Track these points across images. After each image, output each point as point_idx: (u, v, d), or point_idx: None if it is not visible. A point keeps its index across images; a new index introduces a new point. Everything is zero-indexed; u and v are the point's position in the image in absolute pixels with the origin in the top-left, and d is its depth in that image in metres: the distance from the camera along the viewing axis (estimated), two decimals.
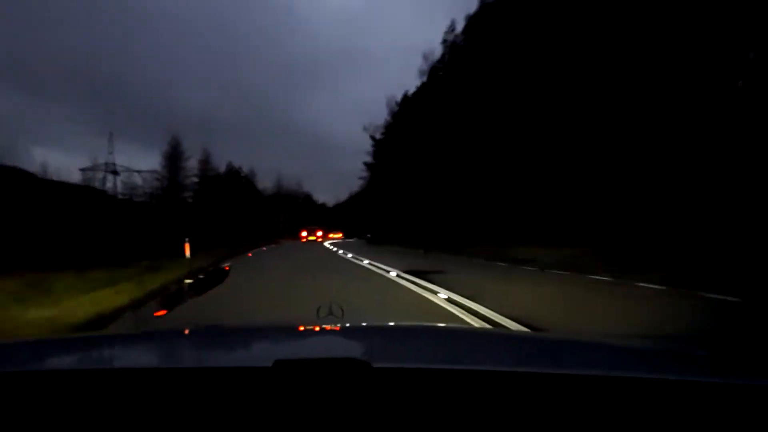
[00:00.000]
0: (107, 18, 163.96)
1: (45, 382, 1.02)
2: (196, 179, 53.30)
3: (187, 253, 17.35)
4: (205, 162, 55.13)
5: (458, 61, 35.89)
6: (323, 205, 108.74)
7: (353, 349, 1.56)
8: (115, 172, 47.35)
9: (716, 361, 1.37)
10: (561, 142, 21.95)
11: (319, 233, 71.20)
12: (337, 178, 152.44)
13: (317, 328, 1.87)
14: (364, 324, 2.20)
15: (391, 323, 2.72)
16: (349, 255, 22.48)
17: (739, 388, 0.99)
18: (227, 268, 15.42)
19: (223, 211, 49.76)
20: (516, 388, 0.98)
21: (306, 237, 67.91)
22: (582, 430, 0.91)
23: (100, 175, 46.06)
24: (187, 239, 17.48)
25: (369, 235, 55.32)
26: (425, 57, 43.44)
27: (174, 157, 49.06)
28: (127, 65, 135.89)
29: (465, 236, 29.58)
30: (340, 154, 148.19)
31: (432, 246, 29.41)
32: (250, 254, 25.81)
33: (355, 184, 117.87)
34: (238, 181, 64.98)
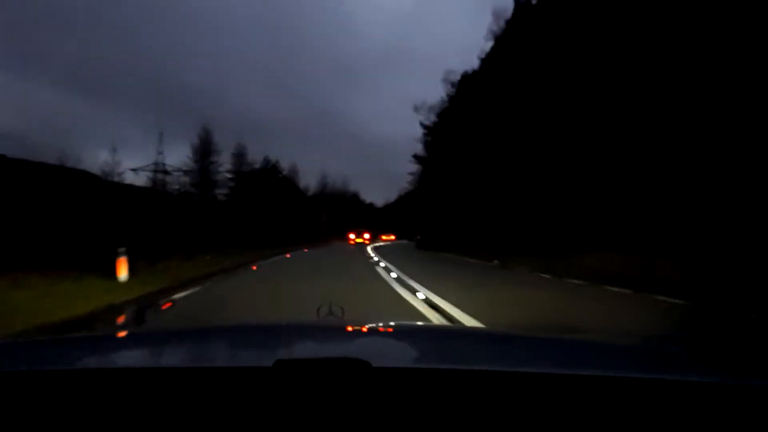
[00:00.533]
0: (157, 18, 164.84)
1: (45, 382, 1.01)
2: (229, 175, 48.27)
3: (121, 272, 10.35)
4: (240, 156, 49.81)
5: (537, 21, 27.74)
6: (371, 206, 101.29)
7: (353, 349, 1.52)
8: (166, 172, 43.84)
9: (698, 362, 1.42)
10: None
11: (367, 236, 66.63)
12: (387, 179, 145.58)
13: (318, 328, 1.91)
14: (364, 324, 2.10)
15: (391, 323, 2.56)
16: (393, 274, 13.95)
17: (717, 386, 1.01)
18: (168, 305, 8.50)
19: (259, 210, 44.44)
20: (515, 389, 0.99)
21: (354, 240, 64.15)
22: (582, 430, 0.92)
23: (149, 174, 43.49)
24: (121, 251, 10.50)
25: (418, 237, 47.18)
26: (495, 15, 33.70)
27: (205, 151, 44.21)
28: (174, 65, 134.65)
29: (551, 239, 21.70)
30: (389, 155, 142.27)
31: (506, 253, 21.23)
32: (254, 267, 17.66)
33: (404, 184, 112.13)
34: (275, 177, 59.48)
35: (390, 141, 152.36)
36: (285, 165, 62.96)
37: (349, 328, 1.89)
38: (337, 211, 72.39)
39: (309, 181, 74.17)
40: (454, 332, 2.01)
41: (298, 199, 62.77)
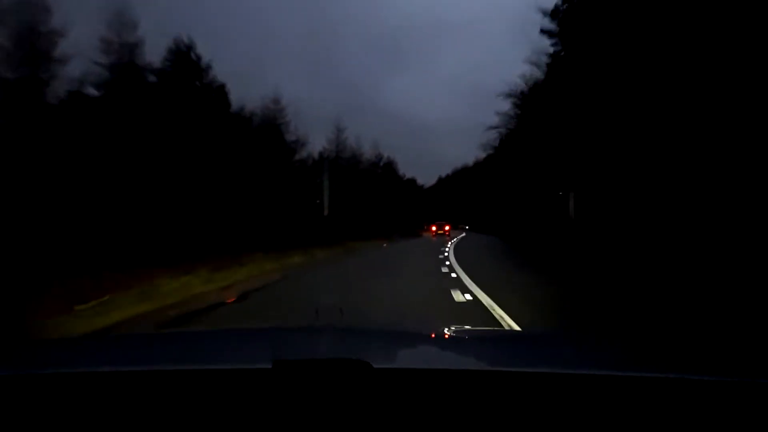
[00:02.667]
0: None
1: (45, 384, 1.01)
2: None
3: None
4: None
5: None
6: (421, 187, 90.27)
7: (353, 350, 1.42)
8: None
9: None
10: None
11: (447, 228, 59.53)
12: (429, 160, 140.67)
13: (317, 330, 1.87)
14: (364, 325, 2.24)
15: (392, 325, 2.63)
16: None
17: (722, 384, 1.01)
18: None
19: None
20: (515, 388, 0.98)
21: (435, 232, 57.37)
22: (582, 430, 0.92)
23: None
24: None
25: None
26: None
27: None
28: (209, 41, 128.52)
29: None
30: (429, 135, 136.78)
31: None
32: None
33: (447, 168, 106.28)
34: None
35: (430, 119, 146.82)
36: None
37: (349, 329, 1.88)
38: (395, 196, 59.37)
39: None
40: (455, 334, 1.91)
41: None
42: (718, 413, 0.92)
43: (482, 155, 56.19)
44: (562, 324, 6.61)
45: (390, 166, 64.38)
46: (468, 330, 2.28)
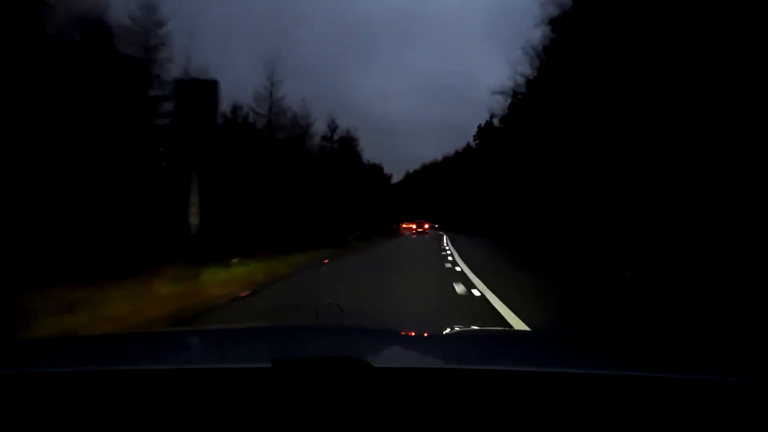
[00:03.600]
0: None
1: (45, 384, 1.00)
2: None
3: None
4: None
5: None
6: (388, 179, 79.73)
7: (353, 349, 1.41)
8: None
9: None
10: None
11: (426, 226, 58.10)
12: (396, 157, 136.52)
13: (317, 329, 1.87)
14: (363, 325, 2.17)
15: (391, 325, 2.59)
16: None
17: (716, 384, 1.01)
18: None
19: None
20: (516, 388, 0.98)
21: (415, 230, 55.95)
22: (583, 430, 0.92)
23: None
24: None
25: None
26: None
27: None
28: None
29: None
30: (395, 132, 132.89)
31: None
32: None
33: (415, 166, 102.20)
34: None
35: (393, 115, 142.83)
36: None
37: (349, 329, 1.87)
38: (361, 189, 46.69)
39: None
40: (455, 333, 1.90)
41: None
42: (718, 413, 0.92)
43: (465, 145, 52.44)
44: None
45: (348, 144, 45.14)
46: (468, 329, 2.23)
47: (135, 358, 1.35)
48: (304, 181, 30.05)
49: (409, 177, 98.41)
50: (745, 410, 0.92)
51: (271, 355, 0.96)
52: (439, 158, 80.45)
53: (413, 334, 1.86)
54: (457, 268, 13.75)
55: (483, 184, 47.32)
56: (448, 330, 1.92)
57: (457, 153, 58.99)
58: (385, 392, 0.92)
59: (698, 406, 0.93)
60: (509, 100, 36.15)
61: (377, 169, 62.34)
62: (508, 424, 0.91)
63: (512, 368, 1.09)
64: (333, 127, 40.94)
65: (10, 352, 1.42)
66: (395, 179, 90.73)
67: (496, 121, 43.01)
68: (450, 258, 17.64)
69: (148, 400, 0.94)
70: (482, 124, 48.95)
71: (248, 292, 9.22)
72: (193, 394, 0.94)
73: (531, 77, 30.51)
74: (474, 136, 54.47)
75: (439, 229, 63.19)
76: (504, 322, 6.48)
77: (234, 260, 13.88)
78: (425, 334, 1.84)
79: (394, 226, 56.83)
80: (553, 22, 24.42)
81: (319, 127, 38.07)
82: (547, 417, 0.91)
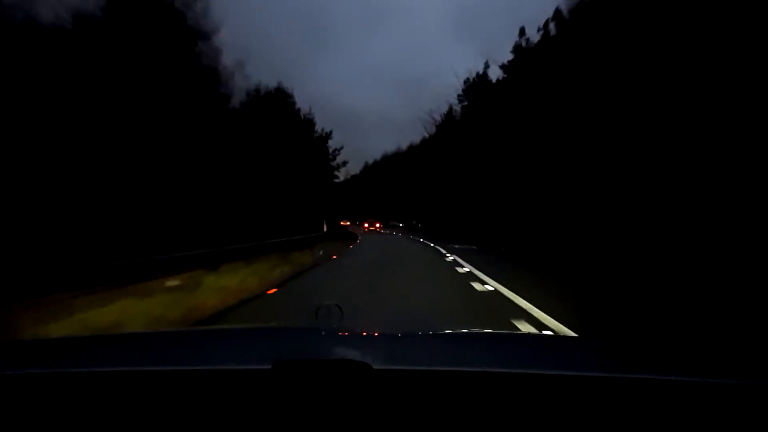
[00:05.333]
0: None
1: (45, 383, 1.00)
2: None
3: None
4: None
5: None
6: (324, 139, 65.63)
7: (353, 351, 1.46)
8: None
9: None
10: None
11: (378, 225, 60.59)
12: (355, 150, 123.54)
13: (317, 331, 1.83)
14: (363, 327, 2.15)
15: (392, 326, 2.55)
16: None
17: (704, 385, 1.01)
18: None
19: None
20: (515, 390, 0.98)
21: (368, 228, 59.02)
22: (583, 429, 0.92)
23: None
24: None
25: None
26: None
27: None
28: None
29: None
30: (354, 125, 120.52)
31: None
32: None
33: (374, 154, 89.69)
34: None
35: (349, 108, 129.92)
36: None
37: (349, 330, 1.85)
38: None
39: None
40: (454, 334, 1.92)
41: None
42: (719, 414, 0.93)
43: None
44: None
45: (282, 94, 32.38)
46: (468, 331, 2.21)
47: (134, 359, 1.31)
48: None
49: (368, 169, 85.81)
50: (743, 412, 0.93)
51: (270, 357, 0.96)
52: (404, 147, 68.21)
53: (413, 335, 1.83)
54: None
55: (432, 177, 43.18)
56: (448, 331, 1.97)
57: (424, 140, 47.83)
58: (385, 394, 0.93)
59: (698, 407, 0.94)
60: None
61: (308, 124, 40.18)
62: (508, 426, 0.91)
63: (513, 370, 1.08)
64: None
65: (10, 352, 1.39)
66: (353, 171, 78.28)
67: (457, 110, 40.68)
68: None
69: (147, 400, 0.94)
70: (444, 112, 42.20)
71: None
72: (193, 395, 0.95)
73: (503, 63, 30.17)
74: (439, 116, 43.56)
75: (400, 230, 56.74)
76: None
77: None
78: (425, 336, 1.82)
79: (342, 226, 53.36)
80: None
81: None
82: (548, 419, 0.92)
